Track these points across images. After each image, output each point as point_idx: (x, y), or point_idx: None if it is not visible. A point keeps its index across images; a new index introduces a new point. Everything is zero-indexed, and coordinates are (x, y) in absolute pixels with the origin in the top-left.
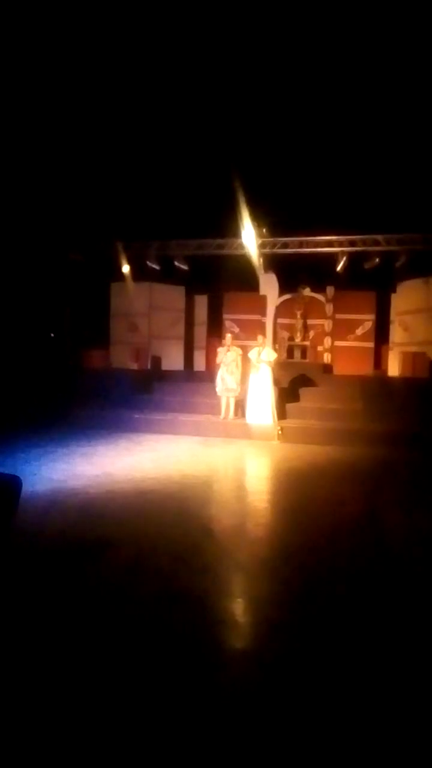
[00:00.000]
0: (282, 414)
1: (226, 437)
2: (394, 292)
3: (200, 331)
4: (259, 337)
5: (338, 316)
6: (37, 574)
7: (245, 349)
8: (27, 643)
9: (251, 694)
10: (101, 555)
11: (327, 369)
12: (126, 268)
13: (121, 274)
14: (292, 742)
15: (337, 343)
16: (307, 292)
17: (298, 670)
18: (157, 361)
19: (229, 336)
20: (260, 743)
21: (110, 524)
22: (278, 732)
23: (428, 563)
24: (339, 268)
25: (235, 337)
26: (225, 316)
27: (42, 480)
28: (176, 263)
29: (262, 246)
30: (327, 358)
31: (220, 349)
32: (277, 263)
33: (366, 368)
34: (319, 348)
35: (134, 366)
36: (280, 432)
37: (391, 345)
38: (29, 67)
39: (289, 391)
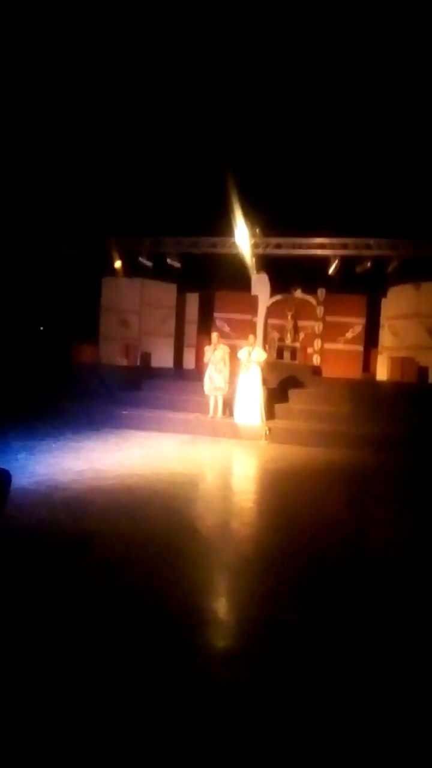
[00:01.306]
0: (270, 414)
1: (214, 436)
2: (385, 296)
3: (191, 329)
4: (250, 337)
5: (328, 318)
6: (23, 569)
7: (235, 349)
8: (12, 637)
9: (239, 694)
10: (87, 551)
11: (316, 371)
12: (118, 264)
13: (113, 269)
14: (284, 742)
15: (327, 345)
16: (298, 293)
17: (286, 669)
18: (146, 357)
19: (215, 335)
20: (249, 743)
21: (96, 520)
22: (268, 732)
23: (413, 562)
24: (331, 270)
25: (226, 336)
26: (216, 314)
27: (29, 474)
28: (168, 260)
29: (255, 246)
30: (316, 360)
31: (207, 348)
32: (269, 264)
33: (355, 371)
34: (309, 350)
35: (124, 362)
36: (267, 432)
37: (380, 349)
38: (25, 64)
39: (277, 392)
